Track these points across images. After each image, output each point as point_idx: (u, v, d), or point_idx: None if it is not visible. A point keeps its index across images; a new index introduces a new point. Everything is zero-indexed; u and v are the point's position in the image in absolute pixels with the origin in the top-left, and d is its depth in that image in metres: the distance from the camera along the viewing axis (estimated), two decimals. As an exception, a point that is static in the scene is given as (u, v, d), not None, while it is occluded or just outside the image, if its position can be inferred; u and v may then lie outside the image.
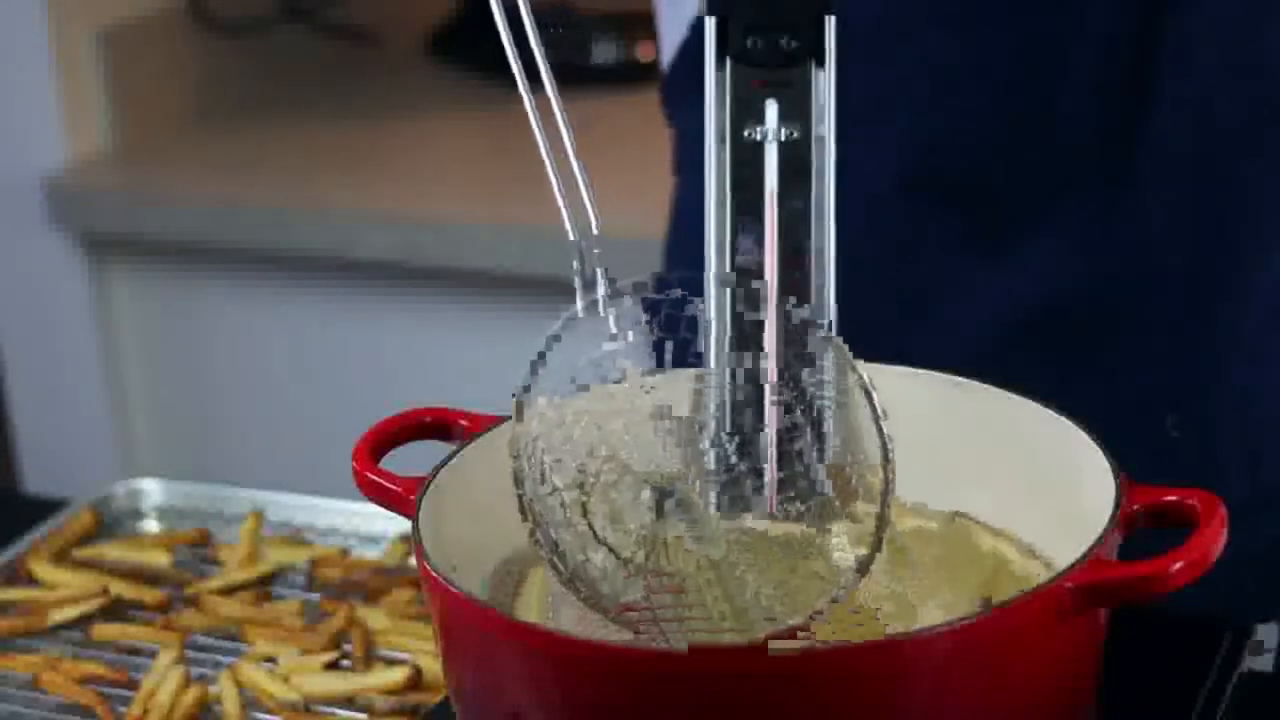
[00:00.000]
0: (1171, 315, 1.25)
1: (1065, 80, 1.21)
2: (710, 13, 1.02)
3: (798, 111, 1.03)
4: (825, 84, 1.03)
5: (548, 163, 1.00)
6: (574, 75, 2.60)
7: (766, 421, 1.01)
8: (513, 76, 0.99)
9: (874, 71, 1.21)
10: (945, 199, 1.19)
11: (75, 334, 2.53)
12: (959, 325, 1.24)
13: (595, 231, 0.99)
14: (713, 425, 1.02)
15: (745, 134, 1.03)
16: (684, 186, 1.43)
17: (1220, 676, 1.05)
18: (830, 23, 1.03)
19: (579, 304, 0.97)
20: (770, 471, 1.01)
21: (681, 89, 1.40)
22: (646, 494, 0.99)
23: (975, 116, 1.20)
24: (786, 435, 1.01)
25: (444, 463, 1.00)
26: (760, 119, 1.03)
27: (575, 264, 0.99)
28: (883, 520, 0.95)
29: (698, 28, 1.34)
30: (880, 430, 0.96)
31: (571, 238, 0.99)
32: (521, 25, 1.00)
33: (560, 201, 1.00)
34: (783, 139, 1.03)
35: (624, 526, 0.98)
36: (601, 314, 0.98)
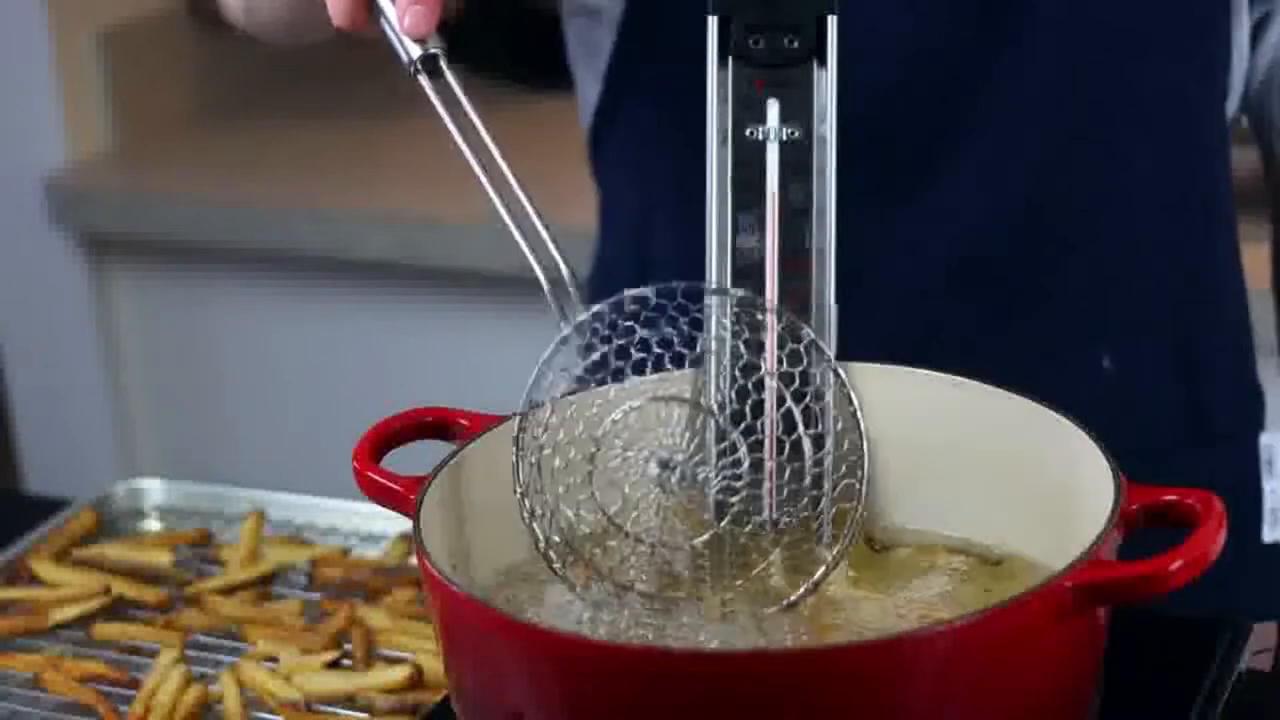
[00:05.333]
0: (1092, 250, 1.26)
1: (950, 20, 1.22)
2: (713, 12, 1.02)
3: (799, 111, 1.03)
4: (827, 83, 1.03)
5: (510, 224, 1.00)
6: (565, 77, 2.61)
7: (766, 418, 1.02)
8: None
9: None
10: (855, 157, 1.19)
11: (75, 334, 2.53)
12: (888, 283, 1.23)
13: (567, 278, 1.00)
14: (713, 422, 1.03)
15: (747, 133, 1.03)
16: (608, 246, 1.42)
17: (1220, 676, 1.06)
18: (832, 23, 1.03)
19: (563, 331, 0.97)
20: (770, 459, 1.02)
21: (602, 146, 1.39)
22: (652, 467, 0.99)
23: (871, 65, 1.20)
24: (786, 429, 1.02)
25: (444, 462, 1.00)
26: (762, 118, 1.03)
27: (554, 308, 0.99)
28: (858, 516, 0.98)
29: (612, 81, 1.33)
30: (860, 432, 0.98)
31: (545, 287, 0.99)
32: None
33: (530, 257, 1.00)
34: (784, 139, 1.03)
35: (629, 503, 0.99)
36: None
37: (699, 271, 1.18)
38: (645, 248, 1.36)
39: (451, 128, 1.02)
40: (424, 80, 1.03)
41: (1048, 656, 0.89)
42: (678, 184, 1.30)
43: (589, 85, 1.39)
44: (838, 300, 1.04)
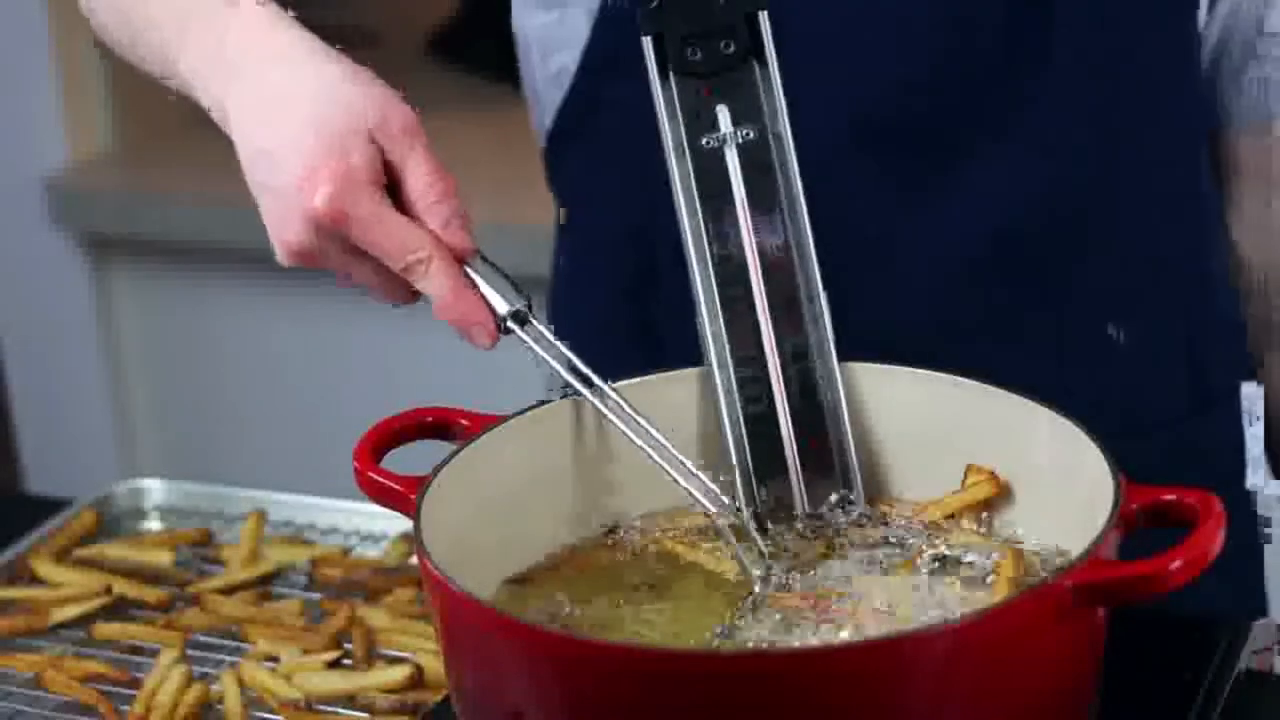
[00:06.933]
0: (1108, 229, 1.27)
1: (981, 11, 1.22)
2: (646, 32, 1.03)
3: (751, 112, 1.04)
4: (773, 79, 1.03)
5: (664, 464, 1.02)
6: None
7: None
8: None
9: (807, 31, 1.20)
10: (885, 146, 1.18)
11: (76, 334, 2.54)
12: (914, 267, 1.24)
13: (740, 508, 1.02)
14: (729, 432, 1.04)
15: (704, 142, 1.03)
16: (569, 250, 1.40)
17: (1219, 676, 1.06)
18: (764, 19, 1.03)
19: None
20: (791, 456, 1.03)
21: (563, 152, 1.38)
22: None
23: (902, 58, 1.20)
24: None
25: (444, 462, 1.00)
26: (714, 126, 1.03)
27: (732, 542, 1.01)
28: None
29: (580, 87, 1.31)
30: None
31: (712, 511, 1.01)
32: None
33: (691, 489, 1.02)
34: (741, 141, 1.03)
35: None
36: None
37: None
38: (628, 259, 1.34)
39: (557, 366, 1.03)
40: (516, 330, 1.04)
41: (1048, 656, 0.89)
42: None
43: (549, 88, 1.37)
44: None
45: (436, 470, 1.00)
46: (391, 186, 1.05)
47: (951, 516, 1.03)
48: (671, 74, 1.03)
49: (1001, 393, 1.03)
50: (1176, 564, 0.87)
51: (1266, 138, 1.32)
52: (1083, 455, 0.97)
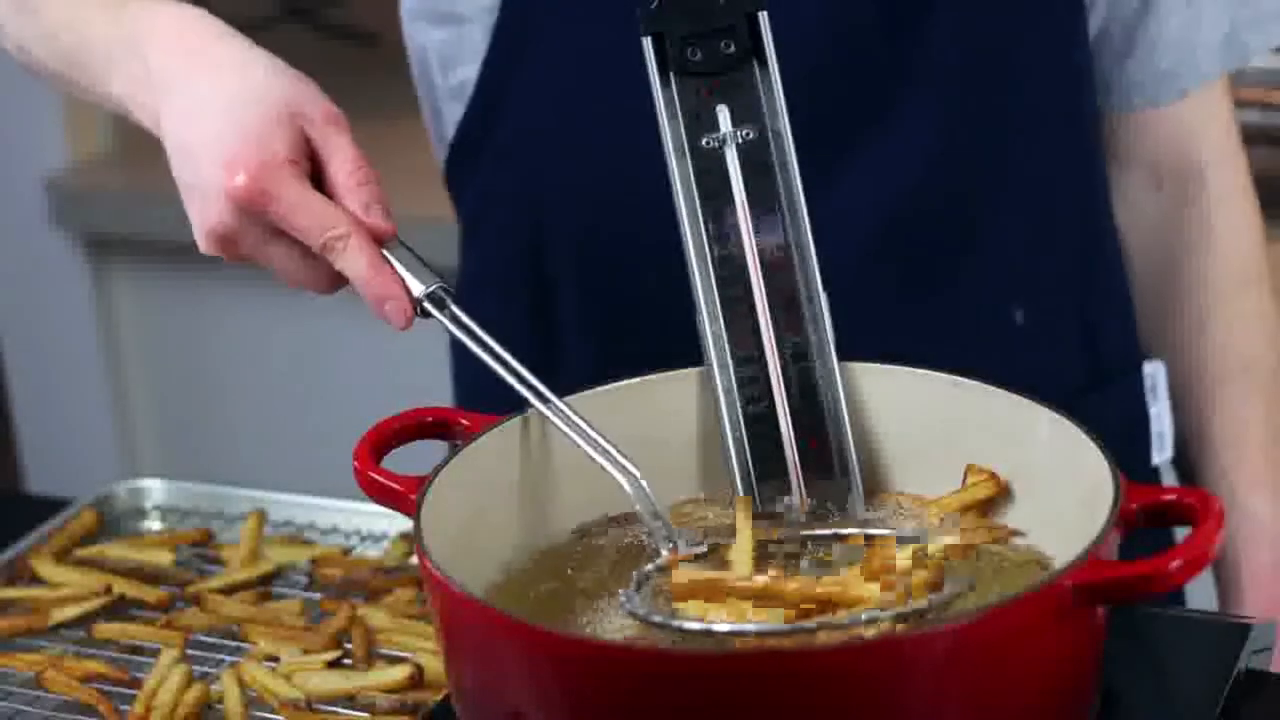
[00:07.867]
0: (1000, 212, 1.28)
1: (853, 5, 1.23)
2: (646, 32, 1.03)
3: (751, 112, 1.04)
4: (772, 79, 1.03)
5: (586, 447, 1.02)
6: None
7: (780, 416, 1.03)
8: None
9: None
10: None
11: (76, 334, 2.54)
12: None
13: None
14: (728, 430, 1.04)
15: (704, 143, 1.04)
16: (472, 261, 1.41)
17: (1219, 676, 1.06)
18: (764, 19, 1.03)
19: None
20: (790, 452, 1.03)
21: (465, 163, 1.37)
22: None
23: (787, 54, 1.21)
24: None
25: (445, 462, 1.01)
26: (714, 126, 1.04)
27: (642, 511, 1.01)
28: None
29: (479, 99, 1.32)
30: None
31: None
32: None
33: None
34: (741, 140, 1.04)
35: None
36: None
37: (606, 274, 1.19)
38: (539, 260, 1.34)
39: (474, 347, 1.04)
40: (434, 311, 1.04)
41: (1048, 656, 0.89)
42: (575, 182, 1.30)
43: (450, 101, 1.37)
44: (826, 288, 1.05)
45: (436, 470, 1.00)
46: (316, 176, 1.06)
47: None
48: (671, 74, 1.03)
49: (1001, 393, 1.03)
50: (1176, 564, 0.87)
51: (1150, 124, 1.32)
52: (1083, 455, 0.97)
